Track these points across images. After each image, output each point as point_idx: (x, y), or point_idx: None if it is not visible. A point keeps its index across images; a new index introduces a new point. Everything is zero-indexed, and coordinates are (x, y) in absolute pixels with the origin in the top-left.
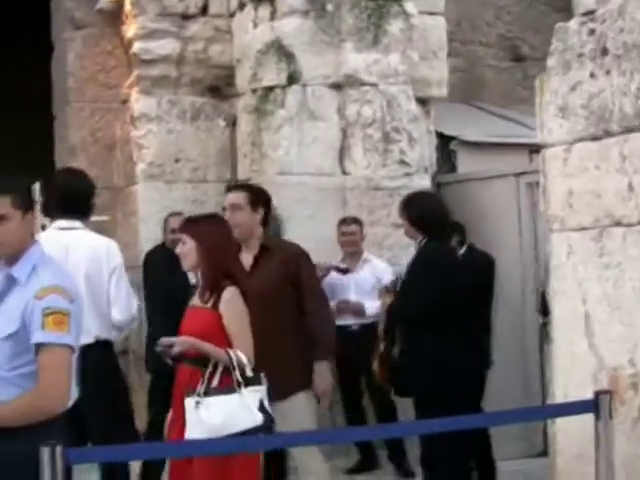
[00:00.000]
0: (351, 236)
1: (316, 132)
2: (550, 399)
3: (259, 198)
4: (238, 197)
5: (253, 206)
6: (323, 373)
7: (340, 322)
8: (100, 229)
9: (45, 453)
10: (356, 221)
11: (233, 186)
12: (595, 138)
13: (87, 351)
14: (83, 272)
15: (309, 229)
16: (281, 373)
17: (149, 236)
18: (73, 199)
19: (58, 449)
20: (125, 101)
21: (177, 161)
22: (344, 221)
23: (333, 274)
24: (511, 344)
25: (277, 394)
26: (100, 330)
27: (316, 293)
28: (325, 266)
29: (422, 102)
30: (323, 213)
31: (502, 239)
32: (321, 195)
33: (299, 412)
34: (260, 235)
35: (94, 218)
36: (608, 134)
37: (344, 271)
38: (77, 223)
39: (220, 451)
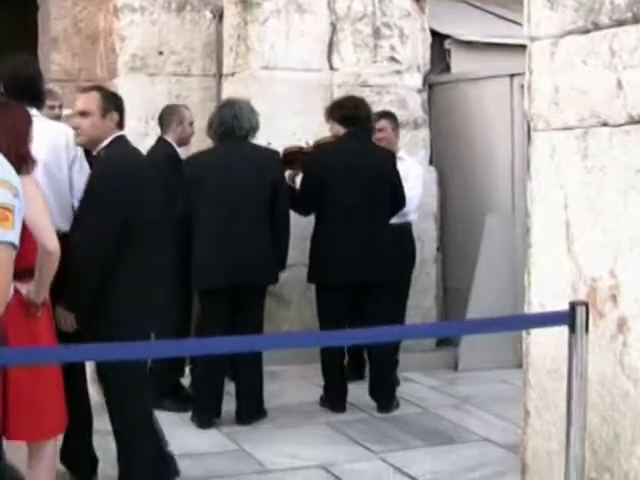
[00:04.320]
0: (381, 133)
1: (304, 26)
2: (526, 308)
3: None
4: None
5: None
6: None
7: None
8: None
9: None
10: (386, 116)
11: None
12: (584, 31)
13: None
14: (41, 162)
15: (296, 126)
16: None
17: (130, 130)
18: (24, 85)
19: None
20: None
21: (161, 54)
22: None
23: None
24: (502, 253)
25: None
26: (61, 221)
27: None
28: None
29: None
30: (310, 110)
31: (494, 141)
32: (308, 91)
33: None
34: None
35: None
36: (597, 27)
37: None
38: (33, 111)
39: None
